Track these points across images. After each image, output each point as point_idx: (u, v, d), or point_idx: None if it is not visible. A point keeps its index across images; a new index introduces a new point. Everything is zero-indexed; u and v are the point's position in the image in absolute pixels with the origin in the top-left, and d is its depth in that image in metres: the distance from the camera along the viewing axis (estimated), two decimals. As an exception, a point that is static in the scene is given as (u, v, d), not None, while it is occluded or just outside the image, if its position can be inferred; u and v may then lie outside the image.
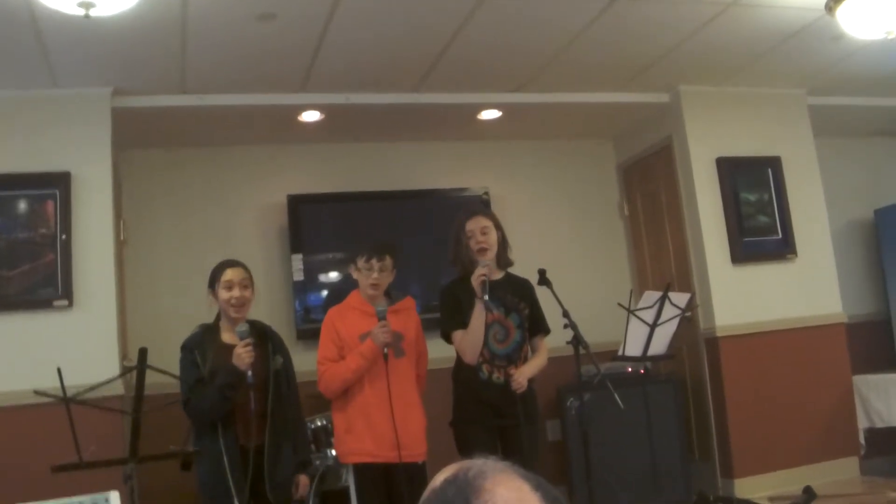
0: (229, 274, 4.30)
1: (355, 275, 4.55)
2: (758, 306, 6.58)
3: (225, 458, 4.03)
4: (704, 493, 5.97)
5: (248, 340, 4.10)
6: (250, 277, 4.37)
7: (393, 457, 4.25)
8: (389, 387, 4.29)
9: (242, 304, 4.30)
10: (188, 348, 4.21)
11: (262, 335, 4.28)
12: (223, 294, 4.26)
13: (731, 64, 6.26)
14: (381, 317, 4.31)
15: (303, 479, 4.41)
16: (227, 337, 4.29)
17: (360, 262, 4.47)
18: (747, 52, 6.03)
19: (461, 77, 6.01)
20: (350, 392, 4.40)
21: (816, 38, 5.80)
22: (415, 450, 4.38)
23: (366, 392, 4.36)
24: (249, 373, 4.06)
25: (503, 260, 4.73)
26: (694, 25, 5.47)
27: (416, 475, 4.28)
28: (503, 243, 4.72)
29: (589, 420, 4.81)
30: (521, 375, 4.49)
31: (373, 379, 4.35)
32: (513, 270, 4.83)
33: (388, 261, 4.48)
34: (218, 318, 4.38)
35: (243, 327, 4.16)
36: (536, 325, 4.75)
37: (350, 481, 4.45)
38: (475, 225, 4.64)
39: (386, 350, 4.29)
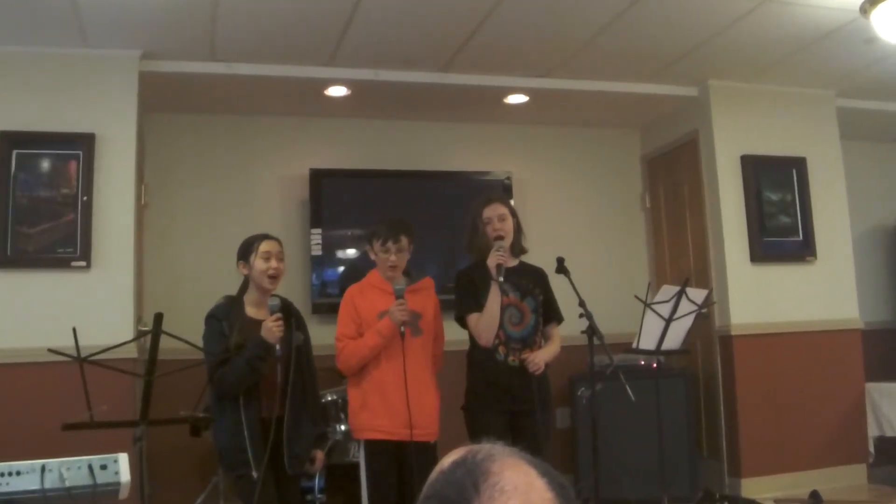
0: (267, 245, 4.31)
1: (372, 256, 4.56)
2: (774, 307, 6.55)
3: (245, 429, 4.05)
4: (711, 490, 5.97)
5: (279, 314, 4.12)
6: (283, 252, 4.39)
7: (405, 435, 4.26)
8: (405, 365, 4.29)
9: (278, 275, 4.32)
10: (216, 318, 4.21)
11: (286, 311, 4.29)
12: (260, 265, 4.26)
13: (761, 61, 6.22)
14: (399, 295, 4.32)
15: (319, 454, 4.45)
16: (251, 310, 4.30)
17: (377, 246, 4.48)
18: (779, 49, 5.99)
19: (490, 59, 5.99)
20: (366, 369, 4.41)
21: (849, 39, 5.75)
22: (427, 429, 4.38)
23: (382, 369, 4.37)
24: (278, 346, 4.09)
25: (517, 247, 4.74)
26: (727, 20, 5.43)
27: (426, 454, 4.28)
28: (518, 230, 4.73)
29: (599, 410, 4.81)
30: (538, 357, 4.49)
31: (389, 357, 4.36)
32: (532, 255, 4.82)
33: (404, 241, 4.47)
34: (242, 290, 4.38)
35: (274, 301, 4.19)
36: (550, 313, 4.74)
37: (360, 457, 4.46)
38: (492, 212, 4.64)
39: (403, 329, 4.30)
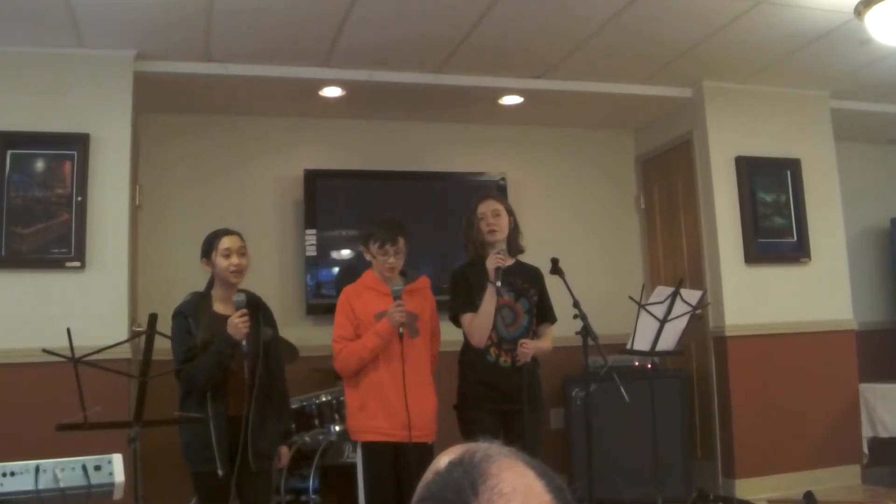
0: (227, 241, 4.29)
1: (368, 257, 4.54)
2: (768, 308, 6.56)
3: (211, 425, 4.04)
4: (704, 491, 5.97)
5: (244, 311, 4.11)
6: (245, 245, 4.37)
7: (404, 436, 4.24)
8: (404, 367, 4.28)
9: (241, 270, 4.30)
10: (183, 315, 4.20)
11: (253, 306, 4.28)
12: (222, 262, 4.25)
13: (756, 62, 6.23)
14: (397, 296, 4.29)
15: (283, 450, 4.47)
16: (218, 306, 4.29)
17: (374, 249, 4.43)
18: (773, 51, 6.00)
19: (484, 60, 5.98)
20: (364, 370, 4.38)
21: (844, 41, 5.76)
22: (425, 430, 4.37)
23: (380, 371, 4.34)
24: (244, 342, 4.08)
25: (514, 246, 4.73)
26: (721, 21, 5.44)
27: (424, 455, 4.26)
28: (515, 230, 4.73)
29: (593, 411, 4.81)
30: (529, 345, 4.49)
31: (388, 358, 4.34)
32: (526, 256, 4.82)
33: (402, 243, 4.44)
34: (209, 286, 4.38)
35: (240, 297, 4.18)
36: (544, 314, 4.74)
37: (358, 458, 4.44)
38: (486, 208, 4.64)
39: (402, 330, 4.28)
